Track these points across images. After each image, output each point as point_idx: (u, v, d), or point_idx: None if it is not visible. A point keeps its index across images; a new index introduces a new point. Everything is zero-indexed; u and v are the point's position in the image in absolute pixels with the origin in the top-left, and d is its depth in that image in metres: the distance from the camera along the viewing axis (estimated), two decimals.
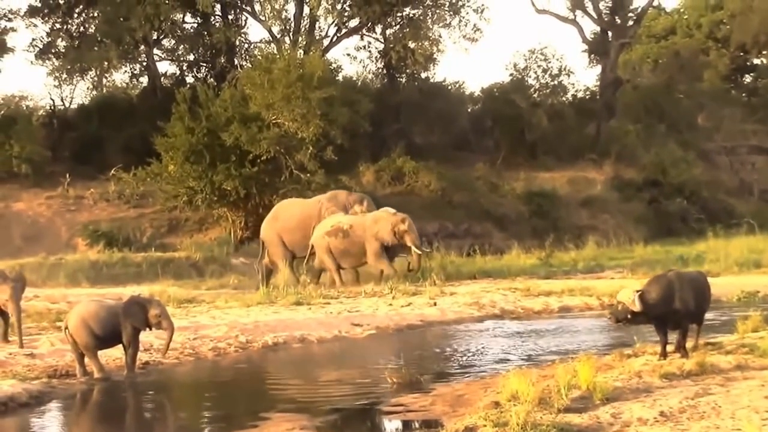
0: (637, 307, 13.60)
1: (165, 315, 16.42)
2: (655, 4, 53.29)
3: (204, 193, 36.61)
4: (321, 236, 28.90)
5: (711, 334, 16.21)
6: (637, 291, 13.73)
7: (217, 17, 46.92)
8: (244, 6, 46.79)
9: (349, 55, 50.33)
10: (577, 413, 11.42)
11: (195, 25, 47.76)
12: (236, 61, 46.55)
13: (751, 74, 62.64)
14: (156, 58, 48.05)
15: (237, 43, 47.09)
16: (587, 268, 31.57)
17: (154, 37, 46.59)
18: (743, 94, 61.78)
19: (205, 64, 48.40)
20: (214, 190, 36.50)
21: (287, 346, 19.23)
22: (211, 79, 44.39)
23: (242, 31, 47.68)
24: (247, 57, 47.52)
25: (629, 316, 13.82)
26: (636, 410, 11.39)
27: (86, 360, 16.29)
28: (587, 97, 53.18)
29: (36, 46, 46.43)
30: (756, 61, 61.97)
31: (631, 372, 13.50)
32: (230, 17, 46.97)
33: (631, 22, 51.45)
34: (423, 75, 48.57)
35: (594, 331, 20.70)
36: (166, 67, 51.35)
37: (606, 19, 50.91)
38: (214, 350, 18.13)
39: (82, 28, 47.07)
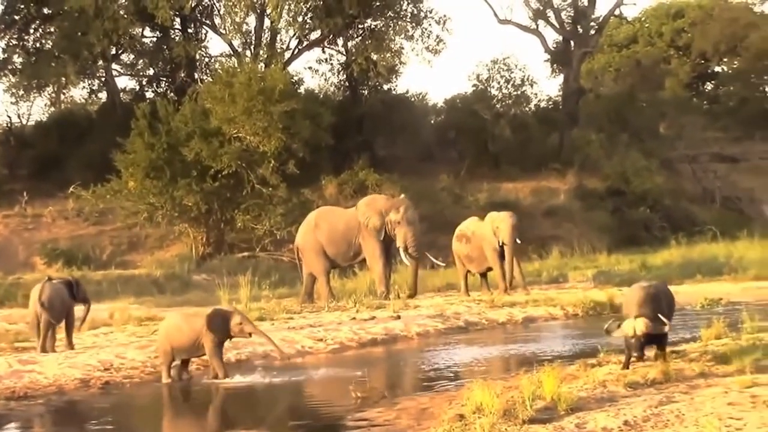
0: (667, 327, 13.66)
1: (246, 321, 17.03)
2: (616, 13, 53.38)
3: (165, 209, 36.46)
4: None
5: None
6: (641, 317, 13.67)
7: (176, 31, 46.67)
8: (204, 20, 46.58)
9: (310, 68, 50.21)
10: (541, 424, 11.32)
11: (154, 39, 47.55)
12: (196, 76, 46.30)
13: (712, 82, 63.18)
14: (115, 73, 47.85)
15: (197, 57, 46.80)
16: (551, 278, 31.57)
17: (113, 52, 46.38)
18: (705, 102, 62.26)
19: (164, 79, 48.16)
20: (175, 206, 36.36)
21: (250, 362, 19.00)
22: (171, 94, 44.18)
23: (202, 45, 47.49)
24: (208, 71, 47.34)
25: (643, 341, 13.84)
26: (600, 420, 11.28)
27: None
28: (550, 106, 53.24)
29: None
30: (717, 68, 62.44)
31: (596, 382, 13.42)
32: (190, 31, 46.71)
33: (593, 32, 51.63)
34: (385, 87, 48.46)
35: (558, 340, 20.67)
36: (125, 82, 51.14)
37: (568, 28, 51.07)
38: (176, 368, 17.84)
39: (38, 44, 46.65)
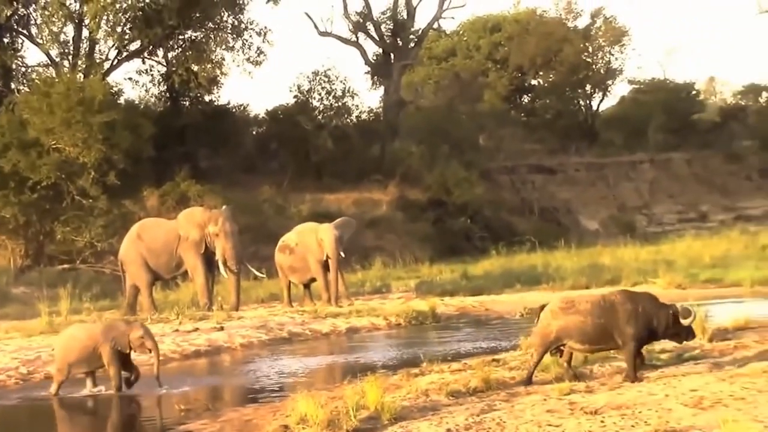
0: None
1: (148, 336, 16.56)
2: (435, 26, 54.07)
3: None
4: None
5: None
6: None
7: None
8: (20, 29, 45.40)
9: (131, 78, 49.03)
10: None
11: None
12: (13, 86, 45.08)
13: (529, 95, 64.31)
14: None
15: (14, 66, 45.62)
16: (374, 289, 31.76)
17: None
18: (522, 115, 63.42)
19: None
20: None
21: (72, 375, 18.68)
22: None
23: (19, 54, 46.26)
24: (25, 81, 46.15)
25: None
26: (423, 429, 11.42)
27: None
28: (371, 118, 53.41)
29: None
30: (533, 82, 63.67)
31: (419, 391, 13.59)
32: (6, 40, 45.45)
33: (412, 44, 52.22)
34: (207, 98, 47.98)
35: (381, 350, 20.83)
36: None
37: (388, 41, 51.54)
38: None
39: None
